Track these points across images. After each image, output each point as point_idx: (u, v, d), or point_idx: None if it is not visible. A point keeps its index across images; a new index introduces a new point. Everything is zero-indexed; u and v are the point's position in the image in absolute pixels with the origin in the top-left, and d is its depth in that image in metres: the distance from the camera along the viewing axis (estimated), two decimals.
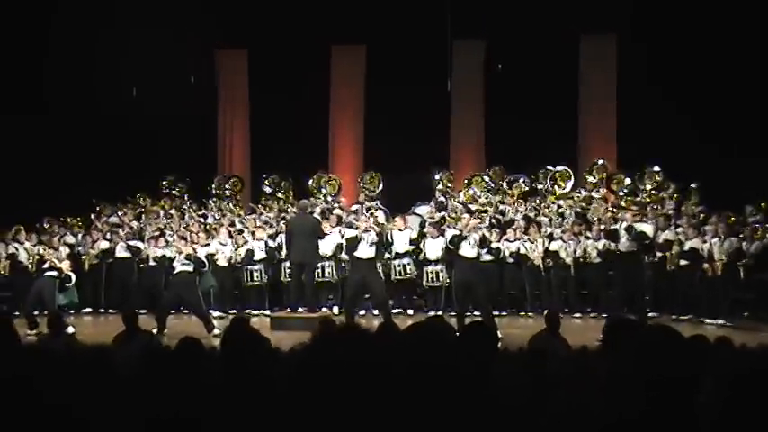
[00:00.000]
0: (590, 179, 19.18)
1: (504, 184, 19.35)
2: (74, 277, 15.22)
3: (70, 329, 13.41)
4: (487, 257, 15.38)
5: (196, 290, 14.13)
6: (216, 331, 13.12)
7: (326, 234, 16.08)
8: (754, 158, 16.42)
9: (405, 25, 20.10)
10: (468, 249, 13.24)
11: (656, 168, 18.16)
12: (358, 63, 22.43)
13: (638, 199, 17.16)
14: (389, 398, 2.52)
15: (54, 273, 14.71)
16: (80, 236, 18.23)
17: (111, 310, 17.26)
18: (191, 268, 14.16)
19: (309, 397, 2.54)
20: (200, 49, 21.73)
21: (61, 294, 14.87)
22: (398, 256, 16.45)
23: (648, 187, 18.02)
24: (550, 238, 16.93)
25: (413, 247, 16.67)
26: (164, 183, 20.47)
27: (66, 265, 15.08)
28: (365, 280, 13.74)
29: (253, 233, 17.57)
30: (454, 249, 13.37)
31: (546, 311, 10.72)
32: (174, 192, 20.39)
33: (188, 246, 14.62)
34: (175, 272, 14.36)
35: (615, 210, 15.90)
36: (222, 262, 16.97)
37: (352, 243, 13.94)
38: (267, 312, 16.25)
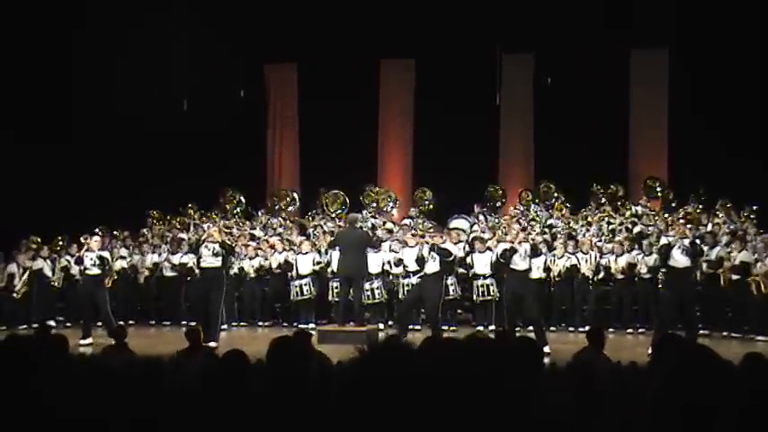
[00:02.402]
0: (643, 199, 19.00)
1: (553, 200, 19.28)
2: (109, 256, 15.08)
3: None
4: (536, 275, 15.23)
5: (221, 290, 13.81)
6: (212, 344, 12.58)
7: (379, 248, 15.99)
8: None
9: (453, 39, 20.10)
10: (519, 262, 13.20)
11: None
12: (407, 76, 22.47)
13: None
14: (432, 414, 2.51)
15: (96, 270, 14.56)
16: (131, 249, 18.43)
17: (164, 323, 17.47)
18: (219, 263, 13.86)
19: (354, 412, 2.54)
20: (250, 62, 21.91)
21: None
22: None
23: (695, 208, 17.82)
24: (600, 252, 16.76)
25: (461, 270, 16.43)
26: (229, 195, 20.15)
27: (96, 244, 14.78)
28: (424, 294, 13.76)
29: (290, 244, 17.70)
30: (505, 263, 13.35)
31: (589, 328, 10.57)
32: (237, 210, 20.15)
33: (220, 233, 14.31)
34: (203, 265, 14.09)
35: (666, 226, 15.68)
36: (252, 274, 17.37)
37: (423, 258, 13.92)
38: (313, 325, 16.15)
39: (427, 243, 14.19)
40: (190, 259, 17.03)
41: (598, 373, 5.38)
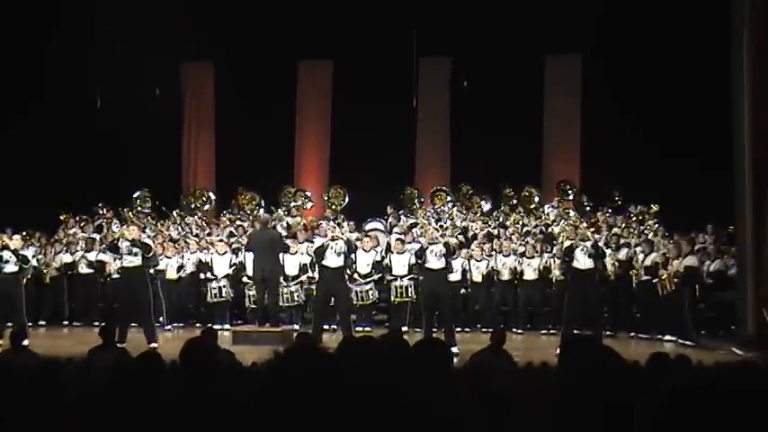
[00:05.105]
0: (555, 201, 19.32)
1: (469, 202, 19.44)
2: (30, 255, 14.75)
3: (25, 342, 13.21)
4: (453, 277, 15.41)
5: (147, 289, 13.66)
6: (153, 345, 12.77)
7: (291, 251, 16.07)
8: (717, 172, 16.31)
9: (372, 41, 20.14)
10: (434, 261, 13.35)
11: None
12: (325, 78, 22.45)
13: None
14: (341, 415, 2.54)
15: (12, 267, 14.15)
16: (40, 249, 17.93)
17: (75, 323, 17.11)
18: (139, 261, 13.65)
19: (270, 414, 2.55)
20: (166, 61, 21.54)
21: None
22: (360, 277, 16.33)
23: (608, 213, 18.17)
24: (515, 254, 17.00)
25: (378, 274, 16.52)
26: (137, 197, 19.53)
27: (17, 243, 14.47)
28: (332, 290, 13.82)
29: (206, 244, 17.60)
30: (421, 262, 13.54)
31: (492, 330, 10.75)
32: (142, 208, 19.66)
33: (135, 231, 14.06)
34: (123, 265, 13.85)
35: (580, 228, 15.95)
36: (171, 275, 17.14)
37: (320, 251, 13.98)
38: (228, 327, 15.99)
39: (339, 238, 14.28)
40: (107, 258, 16.77)
41: (495, 373, 5.47)
